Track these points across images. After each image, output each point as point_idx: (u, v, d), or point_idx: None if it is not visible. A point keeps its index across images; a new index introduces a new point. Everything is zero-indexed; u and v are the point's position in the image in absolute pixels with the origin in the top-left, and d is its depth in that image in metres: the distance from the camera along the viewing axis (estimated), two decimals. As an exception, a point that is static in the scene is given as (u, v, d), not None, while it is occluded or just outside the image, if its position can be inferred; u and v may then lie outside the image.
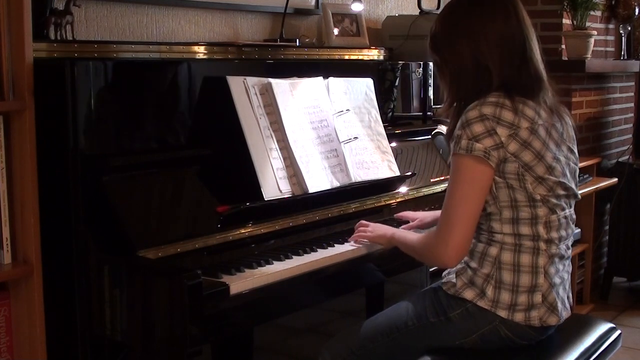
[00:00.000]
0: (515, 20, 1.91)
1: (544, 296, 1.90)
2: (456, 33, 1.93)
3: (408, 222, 2.39)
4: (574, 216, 2.00)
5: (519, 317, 1.90)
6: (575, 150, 2.01)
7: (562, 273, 1.96)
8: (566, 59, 4.26)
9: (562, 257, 1.95)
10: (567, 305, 1.99)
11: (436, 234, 1.90)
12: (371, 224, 2.22)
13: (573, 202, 1.99)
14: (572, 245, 2.02)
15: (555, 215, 1.90)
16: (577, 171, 2.00)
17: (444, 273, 2.02)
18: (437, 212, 2.35)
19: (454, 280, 1.96)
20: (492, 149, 1.82)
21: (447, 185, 1.91)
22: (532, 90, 1.90)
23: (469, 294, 1.92)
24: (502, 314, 1.89)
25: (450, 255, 1.85)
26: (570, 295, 2.03)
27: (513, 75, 1.89)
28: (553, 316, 1.92)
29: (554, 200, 1.89)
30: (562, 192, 1.91)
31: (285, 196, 2.17)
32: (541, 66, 1.94)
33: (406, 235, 2.09)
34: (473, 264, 1.93)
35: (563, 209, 1.93)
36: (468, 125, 1.84)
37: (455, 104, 1.95)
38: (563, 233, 1.94)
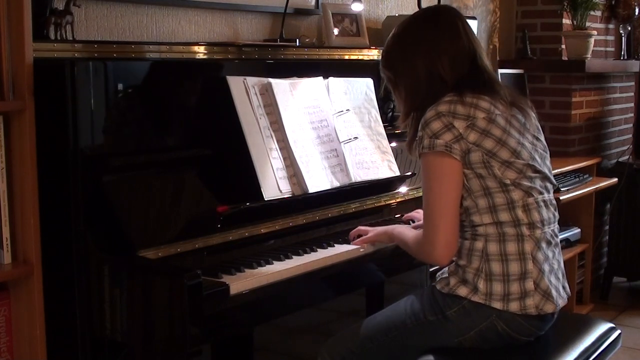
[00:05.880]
0: (465, 35, 2.02)
1: (535, 283, 1.92)
2: (410, 49, 2.03)
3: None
4: (554, 202, 2.04)
5: (514, 306, 1.91)
6: (542, 139, 2.06)
7: (552, 261, 1.98)
8: (566, 59, 4.27)
9: (549, 243, 1.97)
10: (563, 294, 2.01)
11: (423, 234, 1.96)
12: (370, 227, 2.26)
13: (550, 188, 2.02)
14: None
15: (532, 198, 1.94)
16: (548, 159, 2.06)
17: (438, 273, 2.04)
18: None
19: (447, 278, 1.98)
20: (453, 142, 1.89)
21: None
22: (485, 90, 1.97)
23: (462, 291, 1.94)
24: (497, 305, 1.91)
25: (440, 254, 1.92)
26: (567, 285, 2.04)
27: (464, 78, 1.98)
28: (549, 303, 1.93)
29: (526, 183, 1.93)
30: (533, 174, 1.95)
31: (285, 196, 2.17)
32: (493, 73, 2.05)
33: (404, 232, 2.12)
34: (462, 262, 1.95)
35: (540, 193, 1.96)
36: (427, 125, 1.92)
37: (412, 114, 2.04)
38: (545, 216, 1.96)
